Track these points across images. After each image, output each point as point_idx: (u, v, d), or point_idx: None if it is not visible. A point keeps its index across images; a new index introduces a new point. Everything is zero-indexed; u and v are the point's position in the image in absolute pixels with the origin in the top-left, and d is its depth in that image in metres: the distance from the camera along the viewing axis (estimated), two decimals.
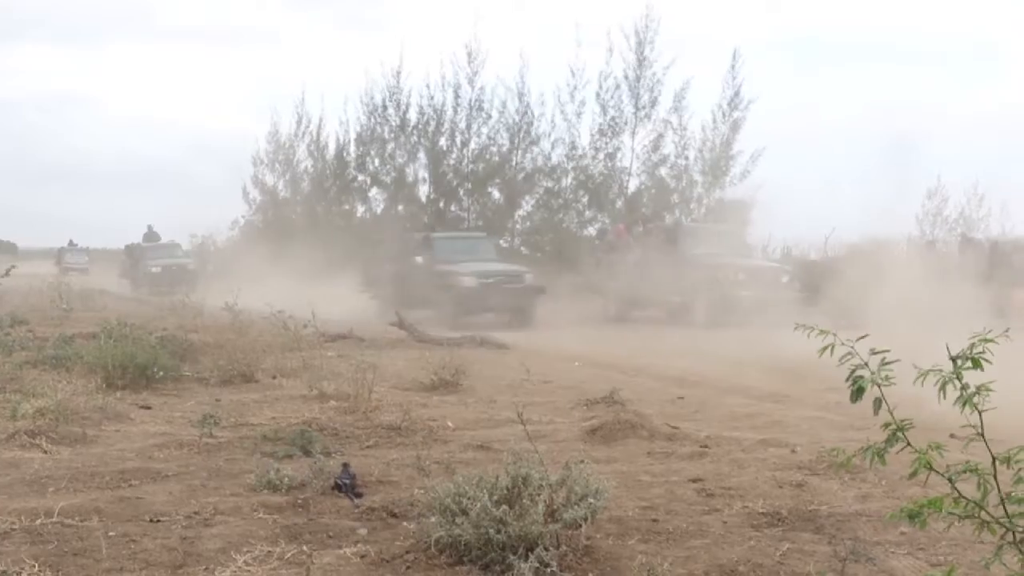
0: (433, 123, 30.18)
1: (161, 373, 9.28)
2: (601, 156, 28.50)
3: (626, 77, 27.91)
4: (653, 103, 28.02)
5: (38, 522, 4.56)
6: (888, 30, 50.55)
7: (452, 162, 29.97)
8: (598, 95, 28.18)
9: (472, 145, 29.81)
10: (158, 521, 4.68)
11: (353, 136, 32.10)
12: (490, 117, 29.47)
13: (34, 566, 4.00)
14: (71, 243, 55.45)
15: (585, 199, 28.85)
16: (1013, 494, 2.56)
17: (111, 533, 4.44)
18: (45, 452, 6.20)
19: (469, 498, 4.09)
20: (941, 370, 2.51)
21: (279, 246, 28.57)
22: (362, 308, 21.18)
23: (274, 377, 10.10)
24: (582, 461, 4.62)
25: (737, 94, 28.11)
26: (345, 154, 32.49)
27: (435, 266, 20.38)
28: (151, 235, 37.20)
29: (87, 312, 18.78)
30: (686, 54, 48.55)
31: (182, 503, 5.00)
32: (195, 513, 4.82)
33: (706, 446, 6.55)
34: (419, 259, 20.94)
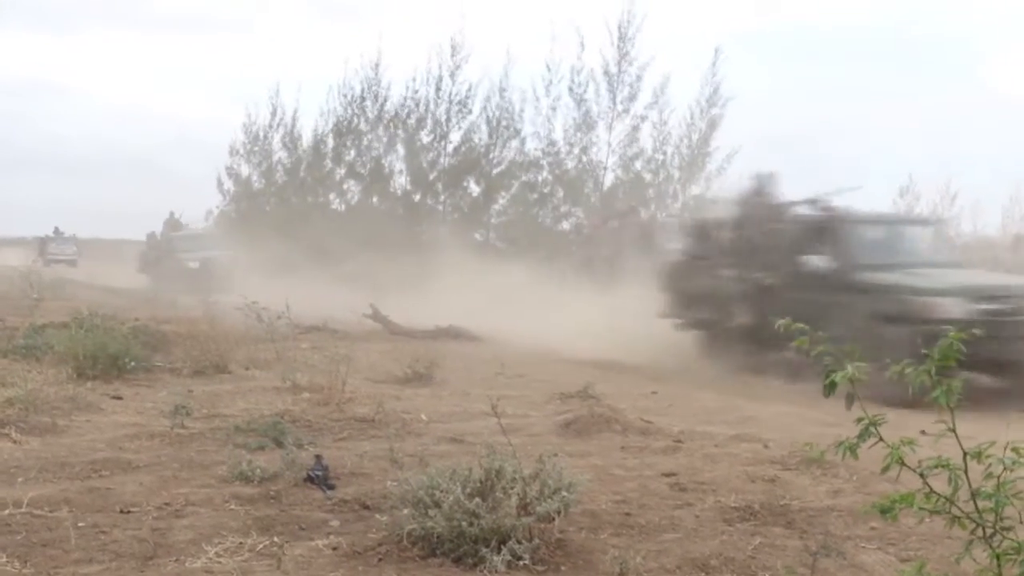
0: (414, 116, 30.05)
1: (133, 363, 9.21)
2: (576, 150, 28.48)
3: (606, 72, 27.90)
4: (632, 98, 28.01)
5: (6, 512, 4.52)
6: (865, 26, 50.88)
7: (432, 156, 29.85)
8: (571, 90, 28.12)
9: (452, 139, 29.68)
10: (128, 512, 4.65)
11: (331, 127, 31.90)
12: (471, 112, 29.38)
13: (2, 557, 3.96)
14: (56, 231, 47.34)
15: (561, 193, 28.83)
16: (983, 489, 2.58)
17: (81, 524, 4.40)
18: (14, 442, 6.13)
19: (442, 490, 4.08)
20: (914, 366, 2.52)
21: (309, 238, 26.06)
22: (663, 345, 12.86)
23: (247, 368, 10.04)
24: (556, 455, 4.62)
25: (716, 91, 28.13)
26: (321, 145, 32.28)
27: (856, 275, 10.99)
28: (173, 223, 31.50)
29: (58, 301, 18.58)
30: (667, 50, 48.57)
31: (153, 494, 4.96)
32: (166, 504, 4.79)
33: (679, 441, 6.57)
34: (815, 262, 11.53)
